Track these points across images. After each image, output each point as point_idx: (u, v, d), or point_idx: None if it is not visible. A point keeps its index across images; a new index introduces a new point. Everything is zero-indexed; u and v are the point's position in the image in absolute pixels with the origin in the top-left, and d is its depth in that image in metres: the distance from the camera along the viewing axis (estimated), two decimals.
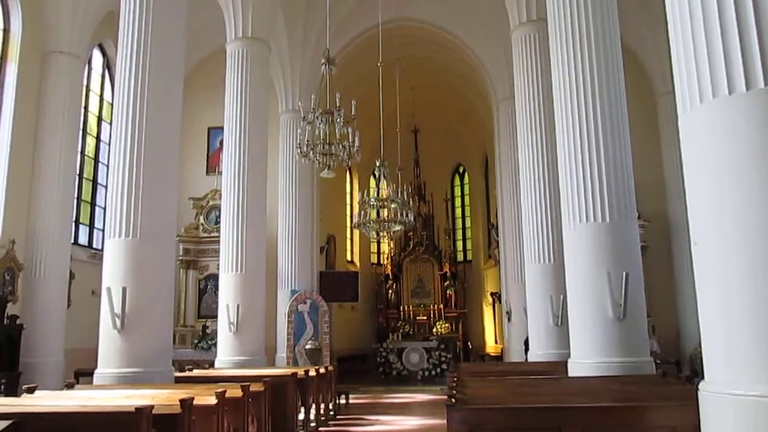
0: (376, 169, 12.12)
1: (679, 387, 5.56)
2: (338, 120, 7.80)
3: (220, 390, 5.74)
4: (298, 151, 8.33)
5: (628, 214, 7.26)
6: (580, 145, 7.41)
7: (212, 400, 5.63)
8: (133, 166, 7.90)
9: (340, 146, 7.88)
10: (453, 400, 4.07)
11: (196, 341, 15.73)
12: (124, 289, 7.56)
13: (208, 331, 15.45)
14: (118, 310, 7.54)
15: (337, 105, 7.80)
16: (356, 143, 8.00)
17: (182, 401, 4.93)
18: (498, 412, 3.98)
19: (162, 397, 5.72)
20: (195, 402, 5.39)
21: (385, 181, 11.79)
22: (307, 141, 8.07)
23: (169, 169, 8.23)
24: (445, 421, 9.98)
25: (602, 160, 7.27)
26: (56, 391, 6.51)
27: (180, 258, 16.16)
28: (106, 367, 7.57)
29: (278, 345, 15.54)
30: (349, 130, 7.88)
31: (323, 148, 7.91)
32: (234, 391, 6.29)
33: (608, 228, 7.15)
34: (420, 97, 20.04)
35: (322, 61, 8.22)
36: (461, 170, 25.82)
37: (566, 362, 9.84)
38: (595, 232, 7.18)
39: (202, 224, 16.57)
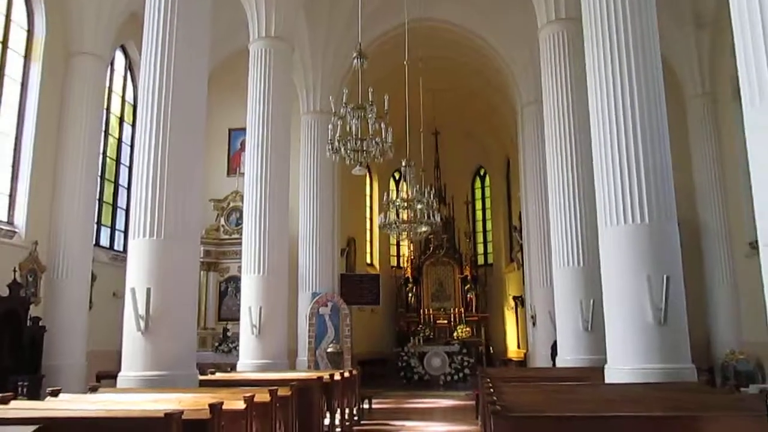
0: (402, 168, 11.90)
1: (728, 396, 5.29)
2: (370, 115, 7.59)
3: (248, 394, 5.56)
4: (329, 147, 8.12)
5: (667, 214, 7.00)
6: (617, 145, 7.16)
7: (241, 405, 5.46)
8: (157, 166, 7.77)
9: (373, 142, 7.66)
10: (498, 407, 3.85)
11: (216, 344, 15.61)
12: (148, 290, 7.42)
13: (229, 333, 15.33)
14: (142, 311, 7.40)
15: (370, 100, 7.60)
16: (389, 139, 7.78)
17: (212, 406, 4.75)
18: (547, 421, 3.76)
19: (189, 401, 5.56)
20: (224, 407, 5.21)
21: (408, 183, 11.56)
22: (338, 136, 7.85)
23: (193, 170, 8.08)
24: (472, 428, 9.80)
25: (641, 159, 7.02)
26: (80, 395, 6.38)
27: (201, 260, 15.94)
28: (129, 370, 7.43)
29: (299, 348, 15.37)
30: (382, 125, 7.67)
31: (355, 144, 7.70)
32: (262, 396, 6.12)
33: (647, 229, 6.90)
34: (441, 99, 19.83)
35: (354, 54, 8.01)
36: (482, 172, 25.55)
37: (600, 368, 9.59)
38: (633, 233, 6.93)
39: (222, 226, 16.47)
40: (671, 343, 6.70)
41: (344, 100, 7.83)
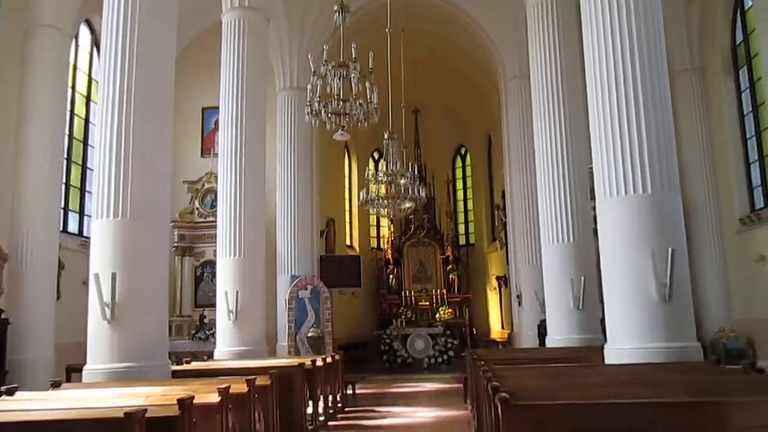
0: (385, 141, 11.33)
1: (745, 377, 4.90)
2: (353, 74, 7.00)
3: (224, 386, 5.05)
4: (308, 109, 7.50)
5: (671, 184, 6.56)
6: (617, 112, 6.67)
7: (215, 398, 4.95)
8: (120, 141, 7.16)
9: (356, 103, 7.07)
10: (505, 394, 3.38)
11: (193, 331, 15.03)
12: (113, 275, 6.84)
13: (206, 320, 14.74)
14: (107, 298, 6.83)
15: (353, 57, 7.01)
16: (374, 100, 7.19)
17: (180, 401, 4.24)
18: (566, 411, 3.31)
19: (158, 396, 5.04)
20: (195, 401, 4.70)
21: (391, 157, 11.00)
22: (318, 98, 7.24)
23: (160, 146, 7.48)
24: (462, 412, 9.39)
25: (642, 127, 6.55)
26: (39, 393, 5.80)
27: (175, 244, 15.44)
28: (95, 363, 6.86)
29: (279, 333, 14.87)
30: (366, 85, 7.08)
31: (336, 106, 7.09)
32: (238, 386, 5.61)
33: (650, 200, 6.45)
34: (421, 77, 19.24)
35: (335, 8, 7.39)
36: (463, 151, 25.09)
37: (595, 348, 9.25)
38: (635, 204, 6.47)
39: (197, 208, 15.83)
40: (676, 320, 6.28)
41: (324, 58, 7.22)
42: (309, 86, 7.48)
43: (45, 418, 3.85)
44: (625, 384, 4.41)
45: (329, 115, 7.16)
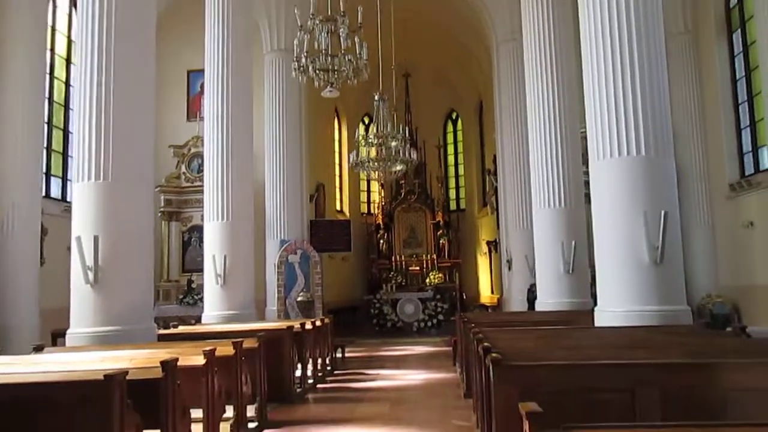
0: (375, 102, 11.09)
1: (737, 340, 4.86)
2: (342, 29, 6.75)
3: (208, 348, 4.96)
4: (295, 65, 7.26)
5: (664, 147, 6.45)
6: (612, 73, 6.51)
7: (200, 360, 4.86)
8: (101, 101, 6.94)
9: (345, 59, 6.83)
10: (496, 354, 3.29)
11: (181, 296, 14.96)
12: (95, 238, 6.69)
13: (193, 285, 14.65)
14: (90, 261, 6.68)
15: (341, 10, 6.75)
16: (364, 56, 6.96)
17: (164, 363, 4.14)
18: (555, 371, 3.23)
19: (142, 359, 4.94)
20: (180, 363, 4.61)
21: (381, 118, 10.78)
22: (306, 53, 7.00)
23: (142, 106, 7.25)
24: (451, 375, 9.39)
25: (637, 88, 6.40)
26: (21, 357, 5.70)
27: (161, 209, 15.26)
28: (79, 327, 6.75)
29: (268, 298, 14.81)
30: (356, 40, 6.84)
31: (325, 61, 6.86)
32: (225, 349, 5.54)
33: (643, 162, 6.35)
34: (412, 39, 18.89)
35: None
36: (454, 116, 24.83)
37: (585, 311, 9.24)
38: (628, 166, 6.37)
39: (183, 173, 15.60)
40: (667, 283, 6.23)
41: (312, 11, 6.95)
42: (296, 41, 7.23)
43: (23, 381, 3.75)
44: (616, 346, 4.35)
45: (317, 71, 6.93)
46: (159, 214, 15.27)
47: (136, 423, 3.70)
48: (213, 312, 10.78)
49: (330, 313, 17.53)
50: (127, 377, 3.96)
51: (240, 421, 5.56)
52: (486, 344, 3.75)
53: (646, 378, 3.21)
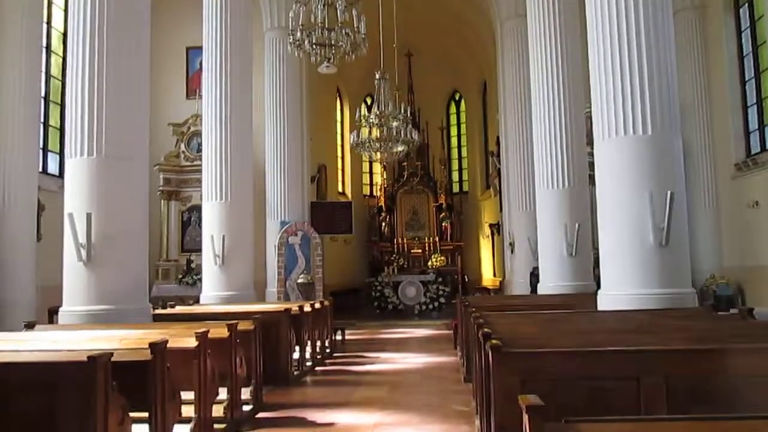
0: (375, 81, 10.87)
1: (744, 323, 4.71)
2: (339, 2, 6.50)
3: (201, 330, 4.83)
4: (290, 40, 7.05)
5: (671, 125, 6.26)
6: (618, 49, 6.31)
7: (193, 343, 4.73)
8: (93, 73, 6.75)
9: (343, 33, 6.60)
10: (496, 341, 3.15)
11: (180, 276, 14.86)
12: (88, 216, 6.54)
13: (193, 265, 14.55)
14: (82, 239, 6.55)
15: None
16: (362, 30, 6.73)
17: (153, 345, 4.01)
18: (557, 358, 3.08)
19: (133, 339, 4.81)
20: (171, 345, 4.49)
21: (382, 97, 10.56)
22: (302, 26, 6.77)
23: (136, 79, 7.07)
24: (451, 358, 9.28)
25: (644, 65, 6.20)
26: (11, 333, 5.59)
27: (160, 188, 15.12)
28: (71, 305, 6.63)
29: (268, 279, 14.71)
30: (354, 13, 6.60)
31: (321, 35, 6.63)
32: (219, 331, 5.41)
33: (649, 141, 6.16)
34: (414, 18, 18.60)
35: None
36: (457, 97, 24.56)
37: (588, 294, 9.10)
38: (634, 145, 6.19)
39: (183, 152, 15.43)
40: (672, 266, 6.08)
41: None
42: (291, 14, 7.01)
43: (4, 360, 3.62)
44: (620, 331, 4.21)
45: (313, 45, 6.70)
46: (158, 193, 15.13)
47: (122, 405, 3.58)
48: (211, 293, 10.68)
49: (331, 295, 17.41)
50: (116, 359, 3.84)
51: (234, 403, 5.45)
52: (486, 330, 3.61)
53: (652, 365, 3.06)
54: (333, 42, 6.63)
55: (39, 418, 3.33)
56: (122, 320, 6.47)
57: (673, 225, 6.01)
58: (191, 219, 15.30)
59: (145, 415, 4.05)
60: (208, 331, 4.87)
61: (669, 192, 5.98)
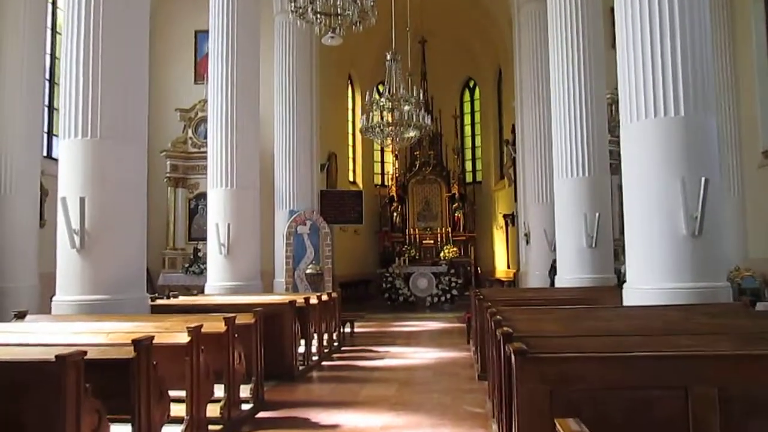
0: (386, 63, 10.40)
1: None
2: None
3: (195, 325, 4.45)
4: (291, 7, 6.62)
5: (705, 105, 5.78)
6: (649, 21, 5.84)
7: (184, 338, 4.36)
8: (89, 49, 6.40)
9: (349, 0, 6.13)
10: (521, 345, 2.73)
11: (187, 265, 14.53)
12: (82, 200, 6.20)
13: (200, 254, 14.21)
14: (76, 225, 6.21)
15: None
16: None
17: (136, 342, 3.63)
18: (593, 364, 2.66)
19: (122, 333, 4.45)
20: (161, 340, 4.13)
21: (394, 79, 10.09)
22: None
23: (135, 56, 6.70)
24: (464, 354, 8.86)
25: (677, 37, 5.72)
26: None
27: (167, 175, 14.79)
28: (65, 294, 6.31)
29: (276, 269, 14.34)
30: None
31: (326, 2, 6.16)
32: (215, 325, 5.03)
33: (682, 123, 5.69)
34: (429, 4, 18.08)
35: None
36: (471, 84, 24.01)
37: (610, 287, 8.68)
38: (665, 128, 5.72)
39: (190, 138, 15.06)
40: (706, 258, 5.61)
41: None
42: None
43: None
44: (656, 330, 3.77)
45: (317, 14, 6.26)
46: (165, 180, 14.82)
47: (97, 409, 3.20)
48: (216, 283, 10.35)
49: (341, 286, 17.09)
50: (95, 356, 3.49)
51: (232, 402, 5.08)
52: (506, 328, 3.19)
53: (703, 373, 2.63)
54: (339, 10, 6.17)
55: (3, 424, 2.96)
56: (118, 311, 6.14)
57: (707, 213, 5.55)
58: (198, 207, 14.95)
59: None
60: (201, 326, 4.50)
61: (703, 178, 5.52)
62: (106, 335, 4.44)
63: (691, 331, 3.66)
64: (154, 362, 3.80)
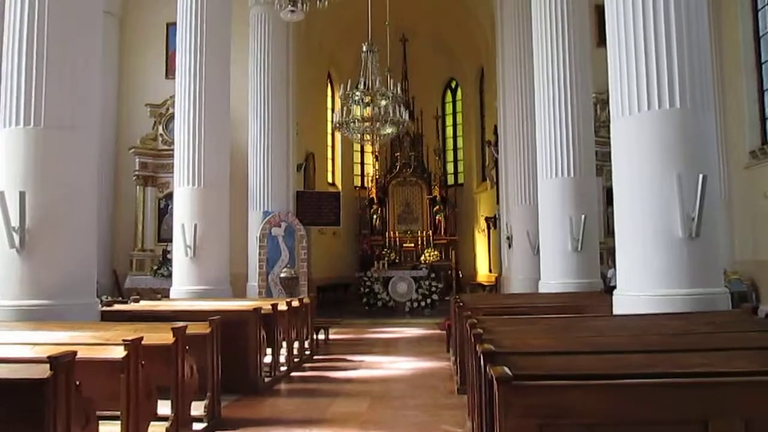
0: (362, 54, 9.89)
1: None
2: None
3: (132, 338, 3.90)
4: None
5: (702, 98, 5.35)
6: (642, 9, 5.39)
7: (119, 353, 3.81)
8: (33, 27, 5.82)
9: None
10: (506, 370, 2.24)
11: (155, 267, 13.92)
12: (22, 194, 5.62)
13: (169, 256, 13.54)
14: (15, 222, 5.62)
15: None
16: None
17: (53, 360, 3.08)
18: (592, 393, 2.17)
19: (50, 346, 3.89)
20: (91, 354, 3.58)
21: (370, 72, 9.59)
22: None
23: (84, 36, 6.12)
24: (443, 363, 8.36)
25: (672, 23, 5.29)
26: None
27: (136, 173, 14.18)
28: (2, 299, 5.70)
29: (249, 273, 13.77)
30: None
31: None
32: (162, 336, 4.48)
33: (678, 116, 5.26)
34: (410, 2, 17.61)
35: None
36: (454, 85, 23.60)
37: (597, 293, 8.23)
38: (659, 121, 5.28)
39: (161, 135, 14.46)
40: (703, 261, 5.18)
41: None
42: None
43: None
44: (660, 345, 3.30)
45: None
46: (133, 178, 14.21)
47: None
48: (182, 287, 9.75)
49: (318, 290, 16.55)
50: (6, 376, 2.95)
51: (180, 421, 4.53)
52: (487, 346, 2.70)
53: (725, 402, 2.16)
54: None
55: None
56: (62, 318, 5.58)
57: (705, 213, 5.11)
58: (169, 207, 14.31)
59: None
60: (141, 338, 3.95)
61: (701, 175, 5.08)
62: (31, 347, 3.89)
63: (697, 345, 3.19)
64: (77, 382, 3.25)
